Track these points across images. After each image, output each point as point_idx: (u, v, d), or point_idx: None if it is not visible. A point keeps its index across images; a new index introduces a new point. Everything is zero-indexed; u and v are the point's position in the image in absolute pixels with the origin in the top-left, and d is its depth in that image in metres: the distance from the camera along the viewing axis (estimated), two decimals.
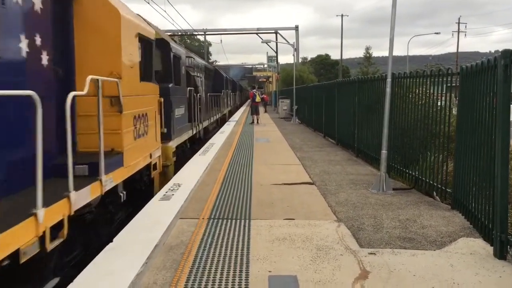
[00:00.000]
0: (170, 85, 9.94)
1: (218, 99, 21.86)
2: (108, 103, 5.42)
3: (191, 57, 13.87)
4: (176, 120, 10.39)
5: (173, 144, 9.93)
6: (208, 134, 17.39)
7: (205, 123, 16.27)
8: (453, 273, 4.04)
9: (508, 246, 4.35)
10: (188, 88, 12.40)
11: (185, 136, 11.73)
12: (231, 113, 32.57)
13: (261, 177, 8.47)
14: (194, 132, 13.23)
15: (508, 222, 4.46)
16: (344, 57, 72.29)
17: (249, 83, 66.00)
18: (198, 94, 13.86)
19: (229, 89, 30.44)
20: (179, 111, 10.88)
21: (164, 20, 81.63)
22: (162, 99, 8.27)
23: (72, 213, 4.09)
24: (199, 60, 16.09)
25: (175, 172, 9.32)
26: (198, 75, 15.11)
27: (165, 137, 9.22)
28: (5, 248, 3.11)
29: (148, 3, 22.82)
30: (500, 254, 4.37)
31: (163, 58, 10.07)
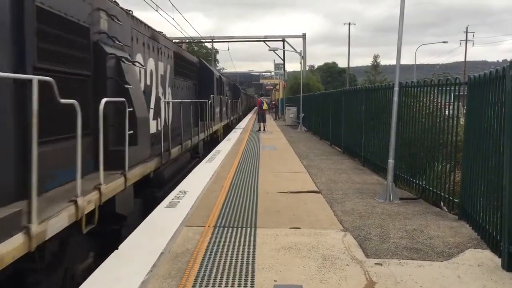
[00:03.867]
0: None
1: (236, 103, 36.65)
2: None
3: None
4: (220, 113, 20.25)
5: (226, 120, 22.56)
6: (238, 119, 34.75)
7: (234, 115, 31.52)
8: (461, 284, 4.00)
9: None
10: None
11: (226, 121, 22.67)
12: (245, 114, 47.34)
13: (267, 185, 8.45)
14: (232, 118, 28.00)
15: None
16: (352, 65, 72.32)
17: (256, 90, 66.12)
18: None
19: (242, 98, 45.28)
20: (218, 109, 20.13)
21: (172, 27, 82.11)
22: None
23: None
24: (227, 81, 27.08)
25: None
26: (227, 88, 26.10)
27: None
28: None
29: (157, 11, 23.02)
30: (508, 266, 4.32)
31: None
